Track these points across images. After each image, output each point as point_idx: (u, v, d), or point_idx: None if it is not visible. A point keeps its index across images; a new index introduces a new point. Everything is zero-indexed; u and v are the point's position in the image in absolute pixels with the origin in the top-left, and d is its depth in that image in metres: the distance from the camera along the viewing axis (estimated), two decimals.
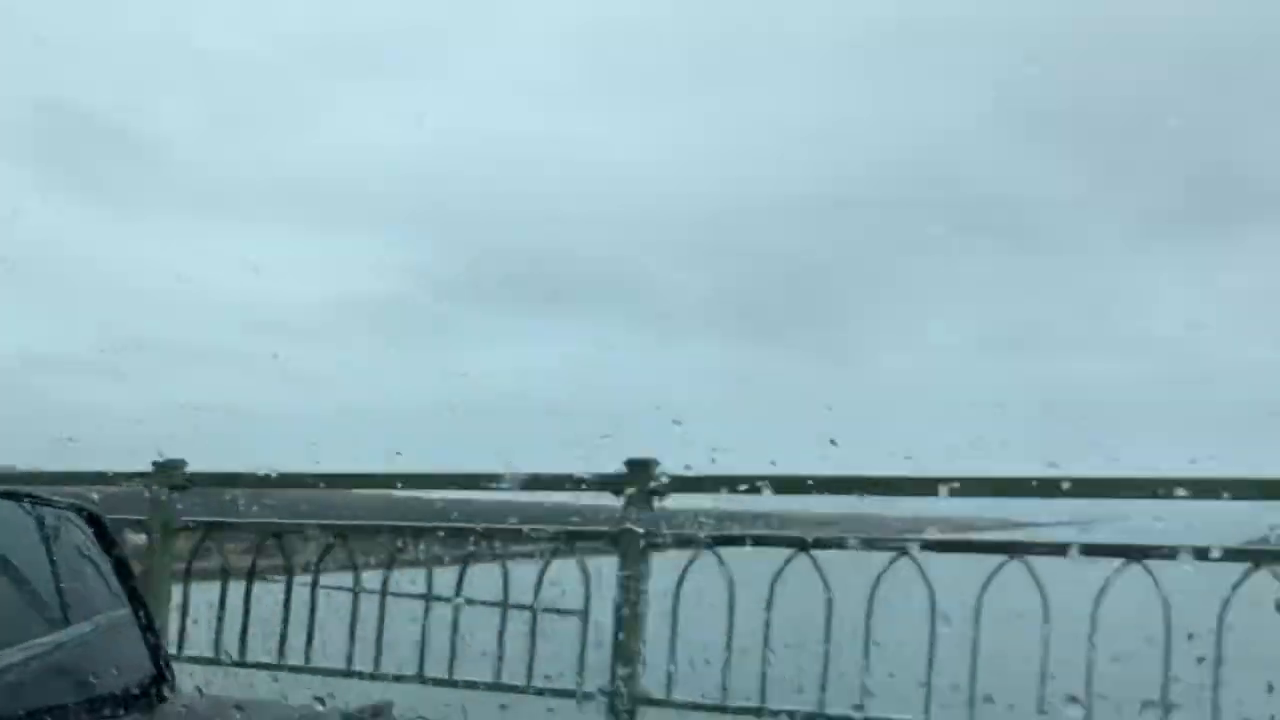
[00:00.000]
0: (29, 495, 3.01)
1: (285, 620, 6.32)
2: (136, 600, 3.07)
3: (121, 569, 3.09)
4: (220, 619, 6.45)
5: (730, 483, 5.55)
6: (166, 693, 3.00)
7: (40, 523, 2.97)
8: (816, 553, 5.46)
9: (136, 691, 2.92)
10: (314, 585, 6.37)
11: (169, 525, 6.55)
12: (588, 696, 5.75)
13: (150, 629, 3.08)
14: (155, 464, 6.61)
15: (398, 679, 6.06)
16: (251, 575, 6.47)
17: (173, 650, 6.30)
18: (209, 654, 6.37)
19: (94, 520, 3.07)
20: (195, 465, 6.68)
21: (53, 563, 2.96)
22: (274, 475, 6.43)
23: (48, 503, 3.04)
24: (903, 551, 5.22)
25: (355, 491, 6.92)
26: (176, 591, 6.57)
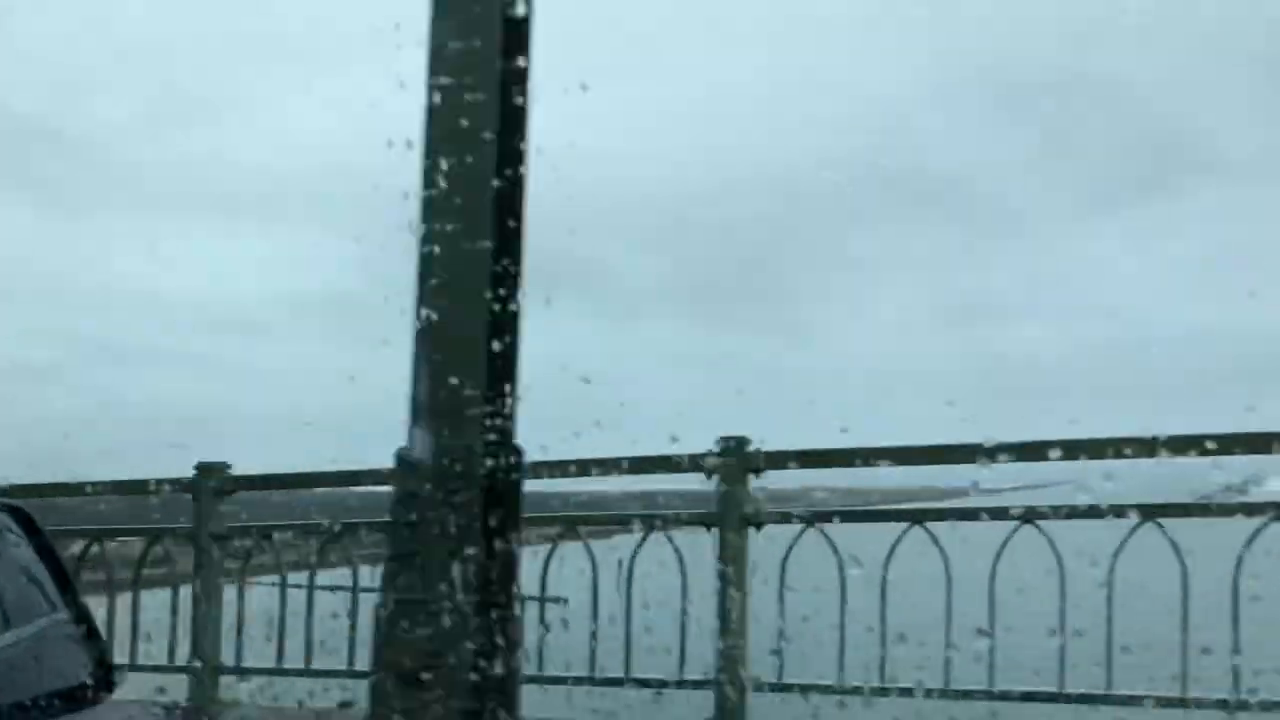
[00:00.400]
0: None
1: (354, 625, 5.76)
2: (74, 600, 3.01)
3: (56, 567, 2.99)
4: (282, 625, 6.03)
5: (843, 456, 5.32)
6: (105, 694, 2.94)
7: None
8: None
9: (76, 693, 2.86)
10: (354, 588, 5.94)
11: (218, 533, 6.03)
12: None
13: (91, 629, 3.04)
14: (198, 468, 6.12)
15: None
16: (313, 580, 6.01)
17: (230, 661, 5.86)
18: (269, 664, 6.05)
19: (24, 519, 2.95)
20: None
21: None
22: (320, 474, 6.12)
23: None
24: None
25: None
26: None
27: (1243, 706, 4.59)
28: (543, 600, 5.54)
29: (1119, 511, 4.87)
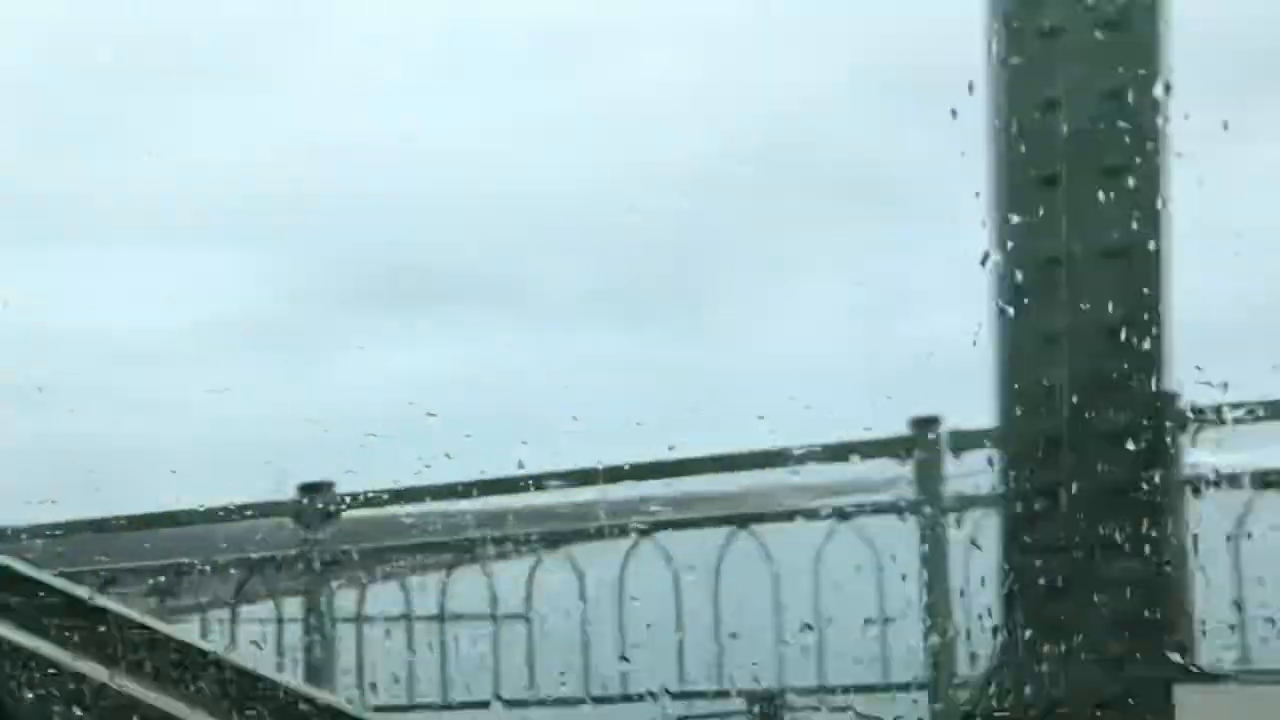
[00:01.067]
0: None
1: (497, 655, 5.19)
2: None
3: None
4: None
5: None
6: None
7: None
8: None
9: None
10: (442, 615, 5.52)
11: (327, 559, 5.35)
12: None
13: None
14: (302, 488, 5.43)
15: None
16: (443, 609, 5.39)
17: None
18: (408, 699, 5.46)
19: None
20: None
21: None
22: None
23: None
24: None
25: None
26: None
27: None
28: None
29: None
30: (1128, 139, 1.95)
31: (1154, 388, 1.97)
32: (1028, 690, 1.96)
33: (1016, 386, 2.04)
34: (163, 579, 5.72)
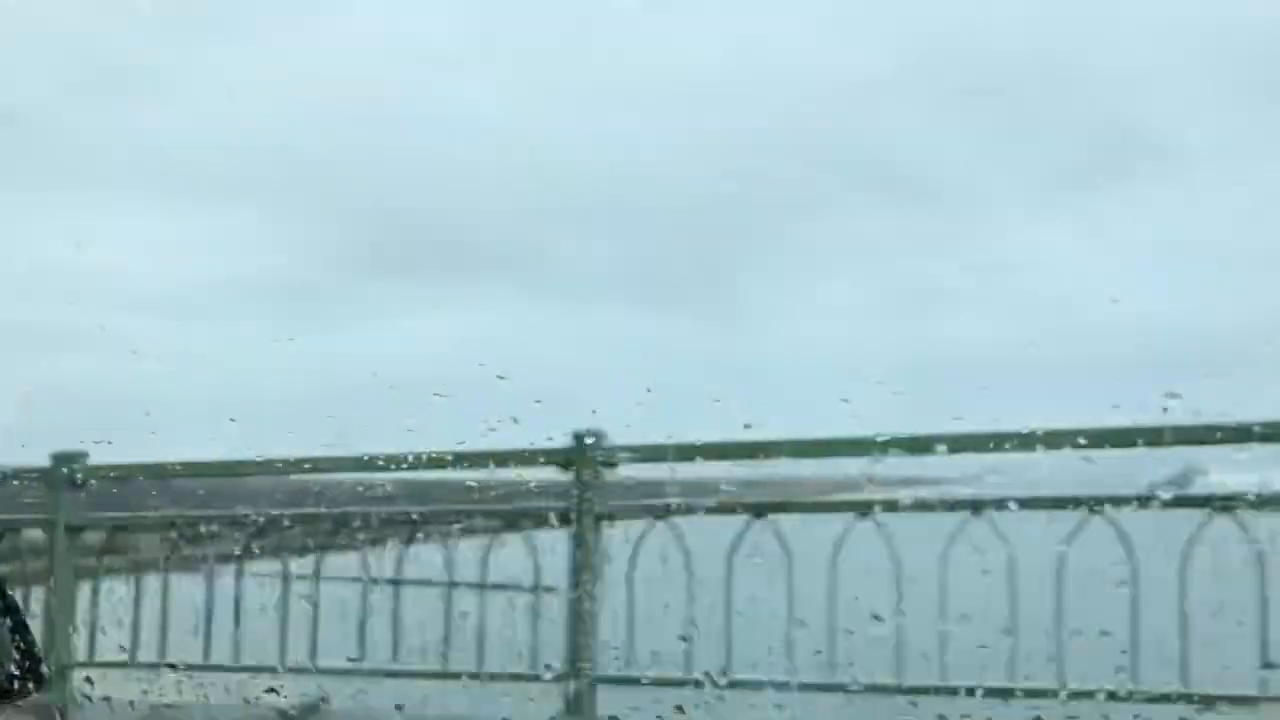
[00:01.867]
0: None
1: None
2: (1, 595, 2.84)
3: None
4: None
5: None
6: (32, 689, 2.64)
7: None
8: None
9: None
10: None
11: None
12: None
13: (19, 624, 2.71)
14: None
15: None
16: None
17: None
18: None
19: None
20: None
21: None
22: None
23: None
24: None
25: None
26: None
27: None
28: None
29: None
30: None
31: None
32: None
33: None
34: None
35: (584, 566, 5.31)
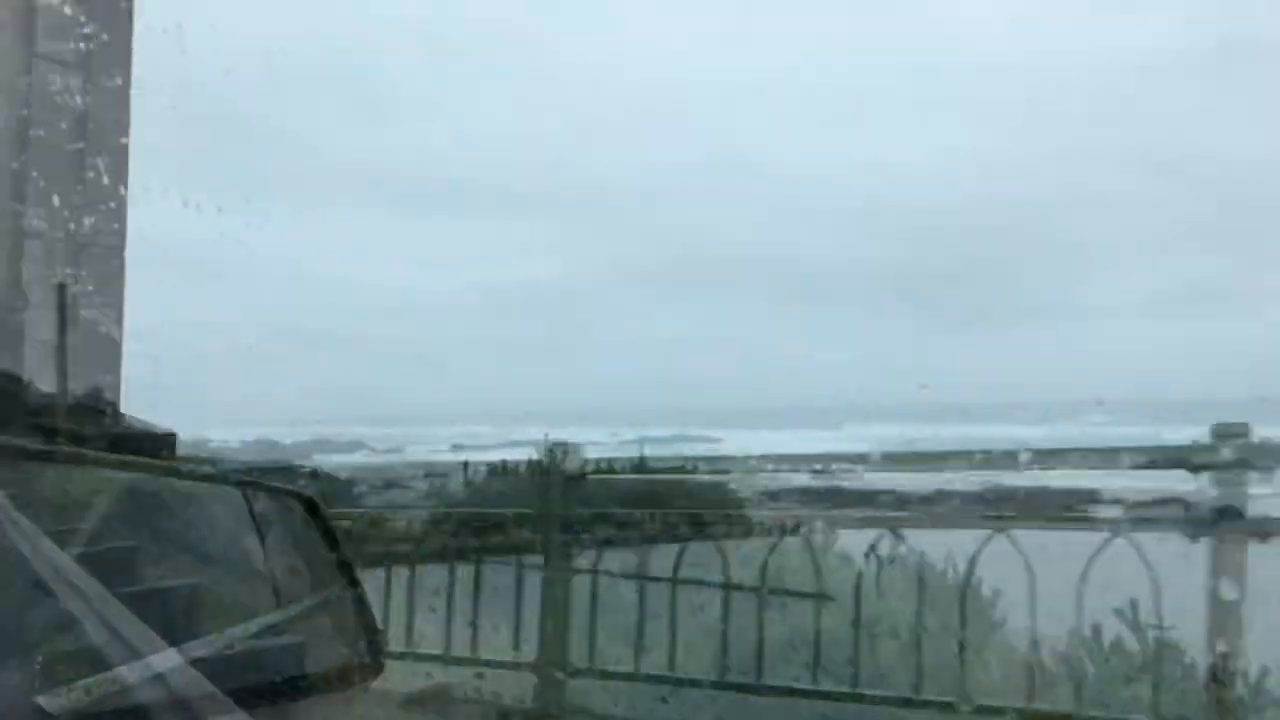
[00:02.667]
0: (252, 483, 3.12)
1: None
2: (353, 583, 3.13)
3: (338, 552, 3.13)
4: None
5: None
6: (374, 675, 3.05)
7: (259, 508, 3.07)
8: None
9: (348, 671, 2.98)
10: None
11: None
12: None
13: (365, 610, 3.14)
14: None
15: None
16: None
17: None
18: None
19: (312, 507, 3.11)
20: None
21: (275, 547, 3.08)
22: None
23: (270, 490, 3.14)
24: None
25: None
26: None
27: None
28: None
29: None
30: None
31: None
32: None
33: None
34: None
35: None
